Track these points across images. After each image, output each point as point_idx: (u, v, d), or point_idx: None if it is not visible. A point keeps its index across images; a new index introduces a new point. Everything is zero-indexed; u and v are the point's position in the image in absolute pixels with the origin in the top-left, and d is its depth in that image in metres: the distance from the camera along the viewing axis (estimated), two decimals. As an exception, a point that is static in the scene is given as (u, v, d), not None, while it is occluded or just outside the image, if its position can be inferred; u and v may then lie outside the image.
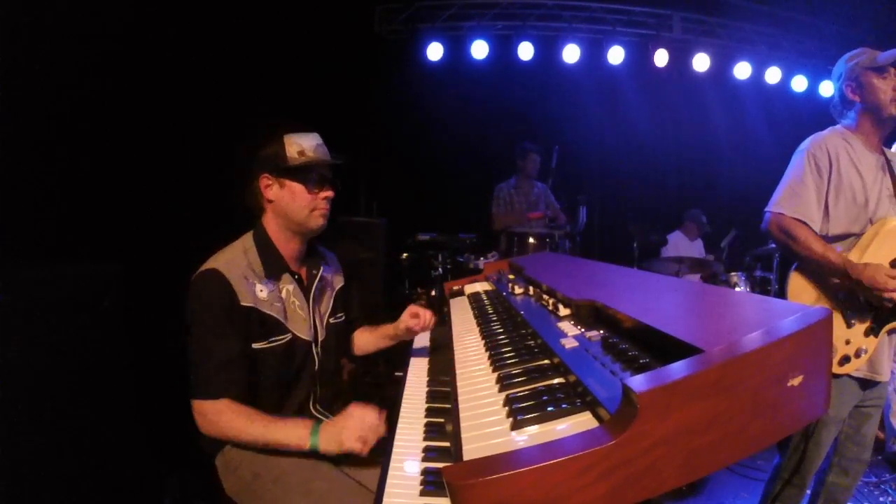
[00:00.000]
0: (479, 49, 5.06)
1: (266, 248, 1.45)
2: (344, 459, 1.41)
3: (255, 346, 1.37)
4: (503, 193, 4.29)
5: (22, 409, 1.57)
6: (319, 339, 1.52)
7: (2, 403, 1.50)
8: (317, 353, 1.51)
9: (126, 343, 2.01)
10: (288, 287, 1.47)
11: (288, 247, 1.49)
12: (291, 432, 1.26)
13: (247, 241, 1.47)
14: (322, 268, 1.57)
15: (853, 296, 1.66)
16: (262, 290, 1.40)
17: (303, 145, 1.45)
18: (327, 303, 1.60)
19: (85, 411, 1.79)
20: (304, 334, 1.47)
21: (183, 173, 2.74)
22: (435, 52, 5.11)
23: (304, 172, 1.44)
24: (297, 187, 1.44)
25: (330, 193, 1.48)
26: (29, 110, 2.05)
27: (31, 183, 2.10)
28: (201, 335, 1.32)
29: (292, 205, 1.44)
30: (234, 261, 1.39)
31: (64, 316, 1.75)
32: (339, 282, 1.68)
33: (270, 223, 1.48)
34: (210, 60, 3.00)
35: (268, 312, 1.39)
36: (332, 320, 1.59)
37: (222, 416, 1.28)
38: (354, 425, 1.24)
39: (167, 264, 2.10)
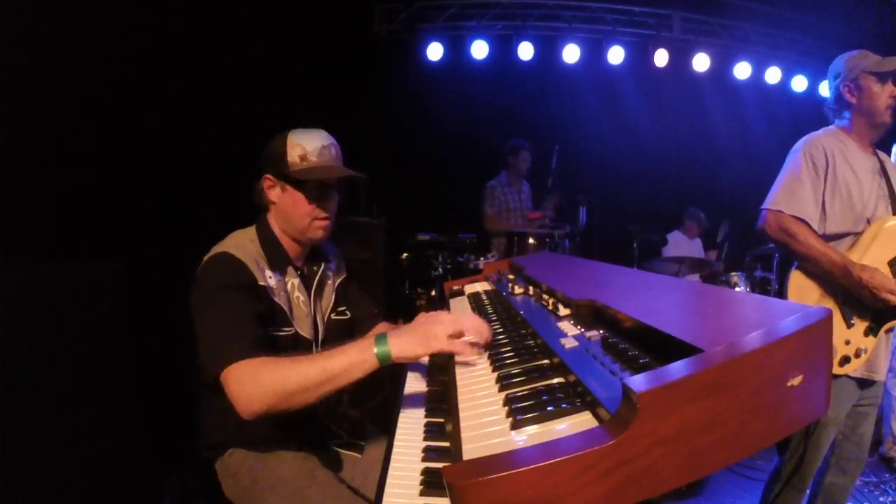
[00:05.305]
0: (479, 49, 5.06)
1: (270, 243, 1.40)
2: (343, 463, 1.41)
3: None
4: (497, 192, 4.25)
5: (22, 408, 1.57)
6: (320, 338, 1.48)
7: (2, 403, 1.50)
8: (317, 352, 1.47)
9: (126, 343, 2.01)
10: (293, 281, 1.43)
11: (291, 245, 1.45)
12: (348, 352, 1.10)
13: (250, 233, 1.42)
14: (324, 263, 1.54)
15: (853, 295, 1.67)
16: (270, 277, 1.35)
17: (306, 148, 1.34)
18: (328, 297, 1.55)
19: (85, 411, 1.79)
20: (306, 332, 1.43)
21: (182, 172, 2.75)
22: (435, 52, 5.11)
23: (304, 180, 1.35)
24: (297, 195, 1.36)
25: (332, 205, 1.41)
26: (29, 110, 2.06)
27: (31, 183, 2.10)
28: (219, 304, 1.20)
29: (293, 212, 1.38)
30: (243, 245, 1.34)
31: (64, 316, 1.75)
32: (340, 275, 1.62)
33: (274, 221, 1.43)
34: (209, 60, 3.00)
35: (276, 301, 1.35)
36: (333, 316, 1.55)
37: (262, 371, 1.10)
38: (441, 319, 1.12)
39: (167, 264, 2.10)
